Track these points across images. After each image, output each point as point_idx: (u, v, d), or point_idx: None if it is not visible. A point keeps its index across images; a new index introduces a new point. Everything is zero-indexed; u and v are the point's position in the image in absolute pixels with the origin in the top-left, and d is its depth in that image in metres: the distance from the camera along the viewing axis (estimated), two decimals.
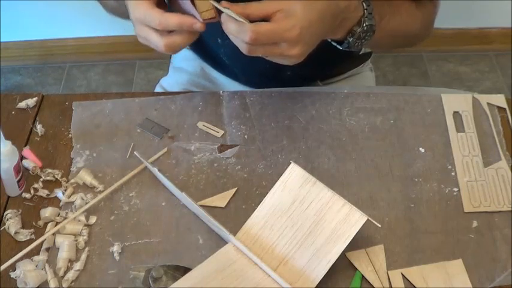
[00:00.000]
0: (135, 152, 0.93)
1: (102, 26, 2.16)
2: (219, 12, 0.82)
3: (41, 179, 0.92)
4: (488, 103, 1.02)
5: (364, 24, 0.90)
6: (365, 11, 0.90)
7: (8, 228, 0.86)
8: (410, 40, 1.10)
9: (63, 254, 0.83)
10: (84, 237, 0.85)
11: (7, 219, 0.87)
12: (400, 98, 1.04)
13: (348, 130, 0.99)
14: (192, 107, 1.02)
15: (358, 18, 0.90)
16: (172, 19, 0.82)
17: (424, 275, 0.82)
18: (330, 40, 0.93)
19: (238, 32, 0.81)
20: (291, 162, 0.85)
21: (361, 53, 1.25)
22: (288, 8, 0.82)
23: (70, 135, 0.99)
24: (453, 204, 0.90)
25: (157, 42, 0.84)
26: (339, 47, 0.94)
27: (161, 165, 0.94)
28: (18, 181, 0.89)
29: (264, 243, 0.82)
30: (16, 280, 0.81)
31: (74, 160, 0.95)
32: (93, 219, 0.88)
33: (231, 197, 0.90)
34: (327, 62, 1.18)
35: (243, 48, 0.83)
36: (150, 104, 1.03)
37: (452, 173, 0.93)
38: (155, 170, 0.89)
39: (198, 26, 0.82)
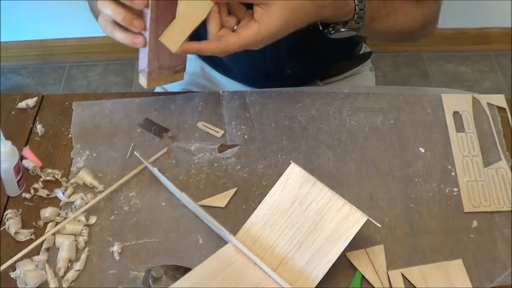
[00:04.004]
0: (135, 152, 0.93)
1: None
2: None
3: (41, 179, 0.92)
4: (488, 103, 1.02)
5: (350, 26, 0.91)
6: (355, 15, 0.90)
7: (8, 228, 0.86)
8: (408, 37, 1.10)
9: (63, 254, 0.83)
10: (84, 237, 0.85)
11: (7, 219, 0.87)
12: (400, 98, 1.04)
13: (348, 130, 0.99)
14: (192, 107, 1.02)
15: (345, 20, 0.91)
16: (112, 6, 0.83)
17: (424, 275, 0.82)
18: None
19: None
20: (291, 162, 0.85)
21: (361, 52, 1.25)
22: (269, 9, 0.83)
23: (70, 135, 0.99)
24: (453, 204, 0.90)
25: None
26: (320, 27, 0.94)
27: (161, 165, 0.94)
28: (18, 181, 0.89)
29: (264, 243, 0.82)
30: (16, 280, 0.81)
31: (74, 160, 0.95)
32: (93, 219, 0.88)
33: (231, 197, 0.90)
34: (326, 61, 1.18)
35: None
36: (150, 104, 1.03)
37: (452, 173, 0.93)
38: (155, 170, 0.89)
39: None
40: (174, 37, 0.83)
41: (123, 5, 0.84)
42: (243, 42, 0.83)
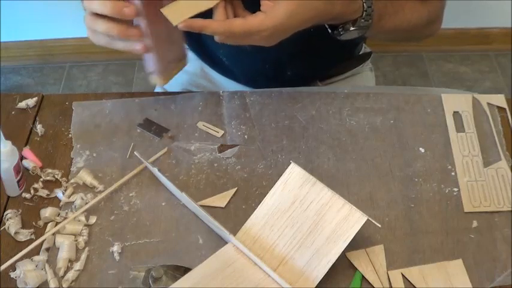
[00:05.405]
0: (135, 152, 0.93)
1: None
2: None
3: (41, 179, 0.92)
4: (488, 103, 1.02)
5: (359, 24, 0.90)
6: (364, 12, 0.90)
7: (8, 228, 0.86)
8: (413, 36, 1.10)
9: (63, 254, 0.83)
10: (84, 237, 0.85)
11: (7, 219, 0.87)
12: (400, 98, 1.04)
13: (348, 130, 0.99)
14: (192, 107, 1.03)
15: (354, 18, 0.90)
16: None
17: (424, 275, 0.82)
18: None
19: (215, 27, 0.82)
20: (291, 162, 0.85)
21: (361, 53, 1.25)
22: (275, 1, 0.81)
23: (70, 135, 0.99)
24: (453, 204, 0.90)
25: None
26: (329, 30, 0.94)
27: (161, 165, 0.94)
28: (18, 181, 0.89)
29: (264, 243, 0.82)
30: (16, 280, 0.81)
31: (74, 160, 0.95)
32: (93, 219, 0.88)
33: (231, 197, 0.90)
34: (327, 62, 1.18)
35: (216, 38, 0.84)
36: (150, 104, 1.03)
37: (452, 173, 0.93)
38: (155, 170, 0.89)
39: (127, 10, 0.82)
40: (177, 12, 0.82)
41: (113, 19, 0.83)
42: (247, 28, 0.81)
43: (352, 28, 0.91)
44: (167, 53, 0.91)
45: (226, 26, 0.81)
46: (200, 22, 0.81)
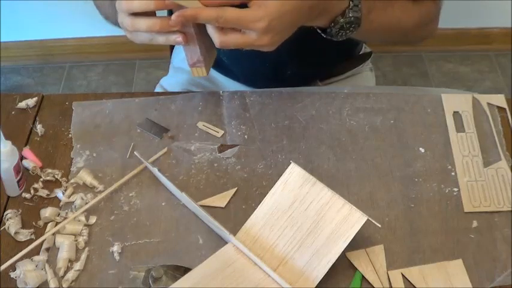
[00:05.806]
0: (135, 152, 0.93)
1: (102, 26, 2.15)
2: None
3: (41, 179, 0.92)
4: (488, 103, 1.02)
5: (349, 15, 0.89)
6: (350, 2, 0.89)
7: (8, 228, 0.86)
8: (406, 36, 1.09)
9: (63, 254, 0.83)
10: (84, 237, 0.85)
11: (7, 219, 0.87)
12: (400, 98, 1.04)
13: (348, 130, 0.99)
14: (192, 107, 1.03)
15: (343, 9, 0.89)
16: None
17: (424, 275, 0.82)
18: (315, 27, 0.93)
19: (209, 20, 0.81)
20: (291, 162, 0.85)
21: (361, 52, 1.25)
22: None
23: (70, 135, 0.99)
24: (453, 204, 0.90)
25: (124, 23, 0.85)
26: (322, 34, 0.93)
27: (161, 165, 0.94)
28: (18, 181, 0.89)
29: (264, 243, 0.82)
30: (16, 280, 0.81)
31: (74, 160, 0.95)
32: (93, 219, 0.88)
33: (231, 197, 0.90)
34: (327, 62, 1.18)
35: (215, 42, 0.84)
36: (150, 104, 1.03)
37: (452, 173, 0.93)
38: (155, 170, 0.89)
39: None
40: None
41: (151, 14, 0.83)
42: (242, 15, 0.80)
43: (341, 19, 0.90)
44: (205, 41, 0.90)
45: (220, 11, 0.80)
46: (191, 10, 0.80)
